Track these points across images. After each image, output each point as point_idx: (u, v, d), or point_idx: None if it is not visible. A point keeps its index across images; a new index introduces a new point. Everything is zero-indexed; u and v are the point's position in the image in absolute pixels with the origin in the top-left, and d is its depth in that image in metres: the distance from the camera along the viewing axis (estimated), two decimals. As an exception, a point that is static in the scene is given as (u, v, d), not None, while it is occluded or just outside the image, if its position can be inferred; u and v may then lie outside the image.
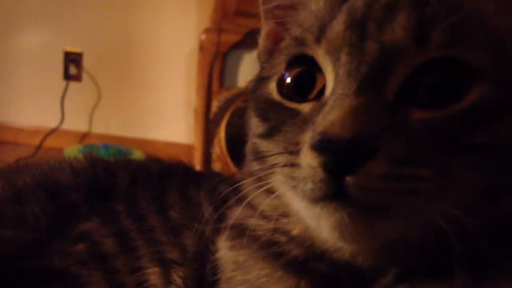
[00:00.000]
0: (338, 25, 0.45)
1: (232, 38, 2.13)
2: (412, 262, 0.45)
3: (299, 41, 0.49)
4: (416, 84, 0.42)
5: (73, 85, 2.66)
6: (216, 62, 2.16)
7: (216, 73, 2.17)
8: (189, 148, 2.39)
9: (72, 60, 2.65)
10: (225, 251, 0.55)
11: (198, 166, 2.04)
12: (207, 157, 2.05)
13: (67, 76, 2.66)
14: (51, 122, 2.62)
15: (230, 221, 0.54)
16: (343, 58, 0.44)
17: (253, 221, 0.52)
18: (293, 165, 0.43)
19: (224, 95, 1.99)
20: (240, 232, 0.54)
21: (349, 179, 0.39)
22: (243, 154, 0.58)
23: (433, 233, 0.41)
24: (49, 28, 2.64)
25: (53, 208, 0.61)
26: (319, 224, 0.43)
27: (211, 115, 2.03)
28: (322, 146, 0.39)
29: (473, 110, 0.40)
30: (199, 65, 2.19)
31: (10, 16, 2.61)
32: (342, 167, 0.39)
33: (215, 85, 2.17)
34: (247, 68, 2.23)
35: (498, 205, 0.43)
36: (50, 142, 2.56)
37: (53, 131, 2.60)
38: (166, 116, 2.67)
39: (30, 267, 0.55)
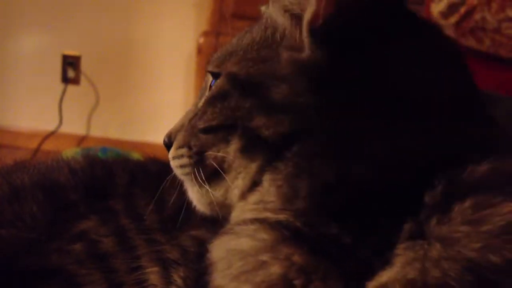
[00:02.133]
0: None
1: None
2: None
3: None
4: None
5: (71, 88, 2.66)
6: (215, 65, 2.16)
7: (214, 76, 2.17)
8: (187, 151, 2.39)
9: (70, 63, 2.64)
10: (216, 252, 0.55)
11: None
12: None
13: (65, 79, 2.65)
14: (49, 125, 2.61)
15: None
16: None
17: None
18: None
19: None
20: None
21: None
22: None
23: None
24: (47, 31, 2.63)
25: (51, 207, 0.61)
26: None
27: (210, 118, 2.02)
28: None
29: (209, 100, 0.56)
30: (198, 68, 2.19)
31: (7, 19, 2.61)
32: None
33: (213, 87, 2.17)
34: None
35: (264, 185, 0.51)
36: (48, 146, 2.55)
37: (51, 134, 2.60)
38: (165, 119, 2.64)
39: (27, 266, 0.55)
